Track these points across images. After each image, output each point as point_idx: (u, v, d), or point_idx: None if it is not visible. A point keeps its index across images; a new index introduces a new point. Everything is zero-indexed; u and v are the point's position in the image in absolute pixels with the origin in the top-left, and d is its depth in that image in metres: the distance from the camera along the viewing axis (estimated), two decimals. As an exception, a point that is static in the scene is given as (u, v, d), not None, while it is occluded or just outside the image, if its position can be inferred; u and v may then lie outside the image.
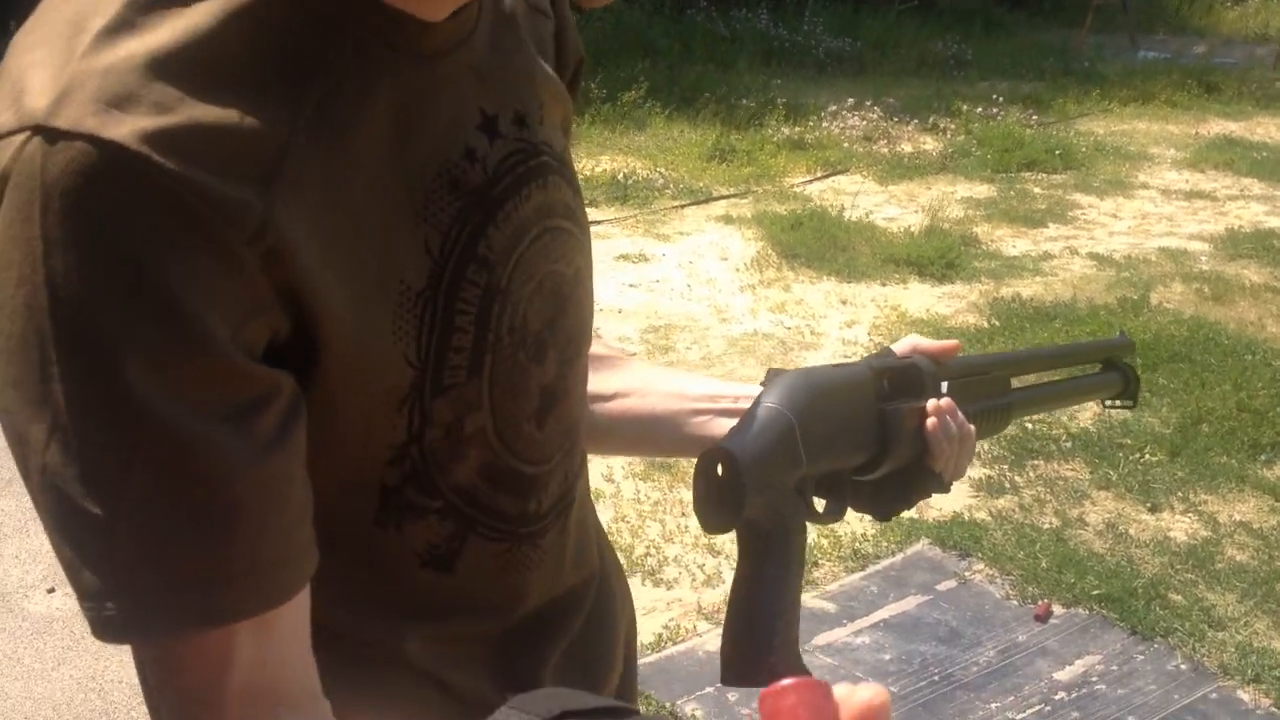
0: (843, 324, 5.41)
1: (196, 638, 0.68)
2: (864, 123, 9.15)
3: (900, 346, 1.11)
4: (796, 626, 0.97)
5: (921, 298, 5.78)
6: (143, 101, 0.63)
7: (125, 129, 0.62)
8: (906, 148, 8.81)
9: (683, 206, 7.32)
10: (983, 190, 7.87)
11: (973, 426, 1.10)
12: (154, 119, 0.63)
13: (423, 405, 0.78)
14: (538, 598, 0.94)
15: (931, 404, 1.06)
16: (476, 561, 0.87)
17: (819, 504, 1.05)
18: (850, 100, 9.50)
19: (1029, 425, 4.33)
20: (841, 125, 9.13)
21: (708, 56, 11.16)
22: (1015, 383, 1.24)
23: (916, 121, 9.45)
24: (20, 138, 0.62)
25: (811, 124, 9.18)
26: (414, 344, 0.76)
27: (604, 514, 3.75)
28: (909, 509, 1.12)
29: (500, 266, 0.81)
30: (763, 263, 6.20)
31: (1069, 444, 4.20)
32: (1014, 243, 6.75)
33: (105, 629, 0.66)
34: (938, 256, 6.22)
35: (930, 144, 8.98)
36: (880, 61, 11.77)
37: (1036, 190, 7.88)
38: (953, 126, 9.45)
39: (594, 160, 8.30)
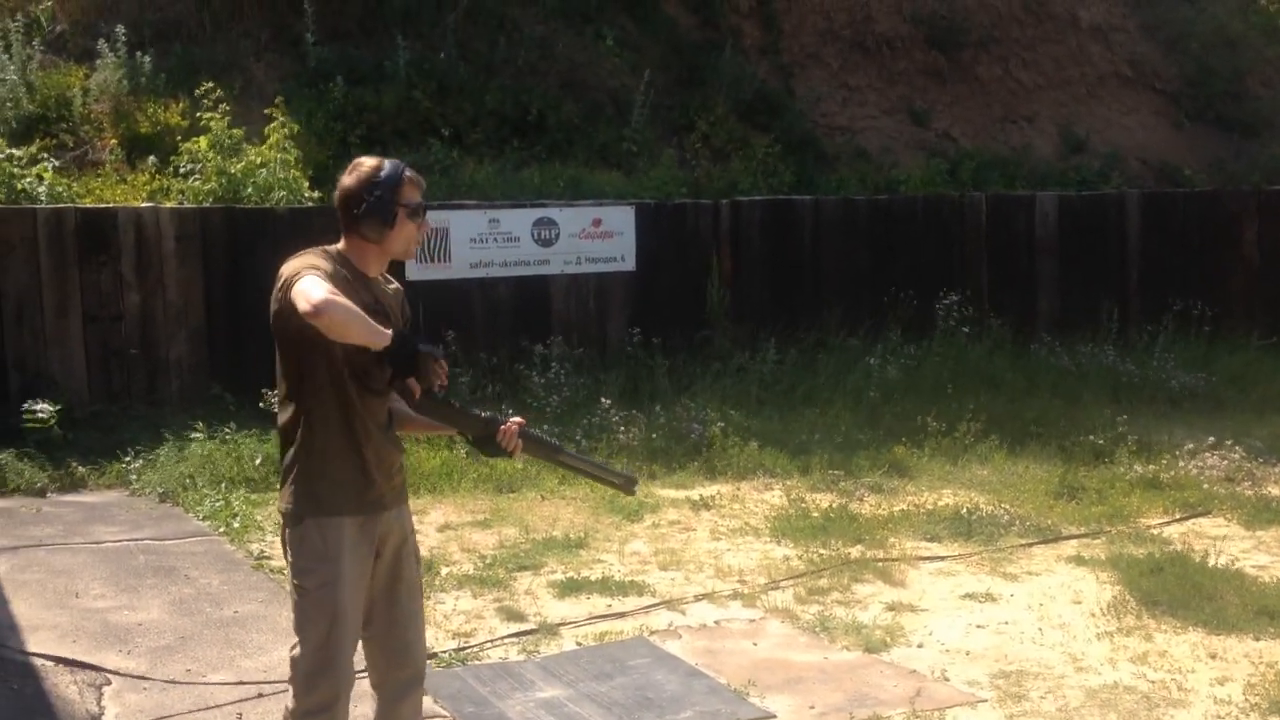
0: (1213, 680, 5.01)
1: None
2: (1225, 463, 8.71)
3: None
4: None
5: (1303, 657, 5.29)
6: (314, 259, 3.41)
7: (307, 262, 3.41)
8: (1274, 490, 8.28)
9: (1030, 545, 7.10)
10: (1367, 539, 7.25)
11: (521, 440, 3.46)
12: (318, 260, 3.40)
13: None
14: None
15: (507, 423, 3.49)
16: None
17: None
18: (1209, 439, 9.09)
19: None
20: (1200, 465, 8.72)
21: (1052, 391, 11.04)
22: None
23: (1285, 463, 8.90)
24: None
25: (1166, 462, 8.81)
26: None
27: None
28: (494, 456, 3.55)
29: None
30: (1120, 609, 5.89)
31: None
32: None
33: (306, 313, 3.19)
34: (1320, 611, 5.72)
35: (1301, 487, 8.41)
36: (1239, 399, 11.29)
37: None
38: (1326, 469, 8.83)
39: (935, 494, 8.24)
